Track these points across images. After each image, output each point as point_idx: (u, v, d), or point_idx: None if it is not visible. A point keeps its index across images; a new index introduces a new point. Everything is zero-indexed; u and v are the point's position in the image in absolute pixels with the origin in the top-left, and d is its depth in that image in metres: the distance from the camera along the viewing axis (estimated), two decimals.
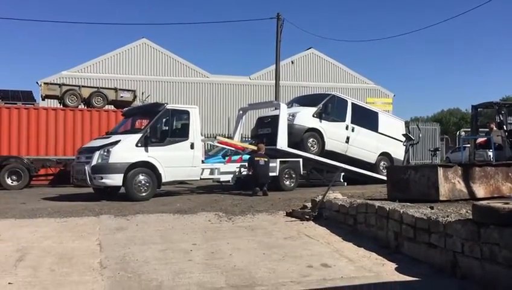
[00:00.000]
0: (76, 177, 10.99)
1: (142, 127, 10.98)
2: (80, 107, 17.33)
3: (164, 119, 11.20)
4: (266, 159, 11.59)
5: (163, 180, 10.66)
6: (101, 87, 19.04)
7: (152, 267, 5.15)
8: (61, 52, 77.12)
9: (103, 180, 10.20)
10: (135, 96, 19.21)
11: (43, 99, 19.95)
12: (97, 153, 10.33)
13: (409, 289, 4.47)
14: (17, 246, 6.00)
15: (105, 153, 10.27)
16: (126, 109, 13.50)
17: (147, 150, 10.48)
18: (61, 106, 17.43)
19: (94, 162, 10.26)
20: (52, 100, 20.05)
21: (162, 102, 12.43)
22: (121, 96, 18.47)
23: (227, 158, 13.27)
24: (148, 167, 10.46)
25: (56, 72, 29.72)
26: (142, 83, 29.45)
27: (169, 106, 11.29)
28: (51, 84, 19.23)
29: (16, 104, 19.95)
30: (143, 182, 10.33)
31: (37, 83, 26.23)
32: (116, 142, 10.43)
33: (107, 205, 9.25)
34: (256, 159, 11.51)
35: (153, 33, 73.88)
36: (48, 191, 13.02)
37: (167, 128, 11.25)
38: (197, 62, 40.46)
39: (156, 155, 10.54)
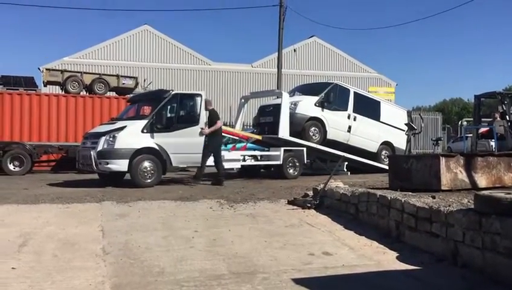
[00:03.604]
0: (82, 162, 11.00)
1: (148, 113, 10.96)
2: (81, 93, 17.32)
3: (170, 106, 11.10)
4: None
5: (169, 166, 10.66)
6: (103, 74, 19.01)
7: (154, 254, 5.18)
8: (64, 38, 76.87)
9: (108, 166, 10.22)
10: (137, 83, 19.17)
11: (45, 86, 19.93)
12: (103, 139, 10.34)
13: (410, 278, 4.49)
14: (20, 232, 6.03)
15: (110, 139, 10.27)
16: (132, 95, 13.45)
17: (152, 136, 10.46)
18: (63, 92, 17.42)
19: (100, 147, 10.27)
20: (54, 86, 20.06)
21: (167, 89, 12.38)
22: (123, 83, 18.44)
23: (230, 146, 13.28)
24: (153, 154, 10.45)
25: (58, 58, 29.72)
26: (144, 69, 29.40)
27: (177, 92, 11.27)
28: (53, 70, 19.22)
29: (18, 90, 19.91)
30: (148, 168, 10.33)
31: (38, 69, 26.25)
32: (122, 128, 10.43)
33: (109, 192, 9.29)
34: None
35: (155, 20, 73.52)
36: (50, 177, 13.07)
37: (174, 114, 11.15)
38: (199, 49, 40.15)
39: (162, 141, 10.50)
